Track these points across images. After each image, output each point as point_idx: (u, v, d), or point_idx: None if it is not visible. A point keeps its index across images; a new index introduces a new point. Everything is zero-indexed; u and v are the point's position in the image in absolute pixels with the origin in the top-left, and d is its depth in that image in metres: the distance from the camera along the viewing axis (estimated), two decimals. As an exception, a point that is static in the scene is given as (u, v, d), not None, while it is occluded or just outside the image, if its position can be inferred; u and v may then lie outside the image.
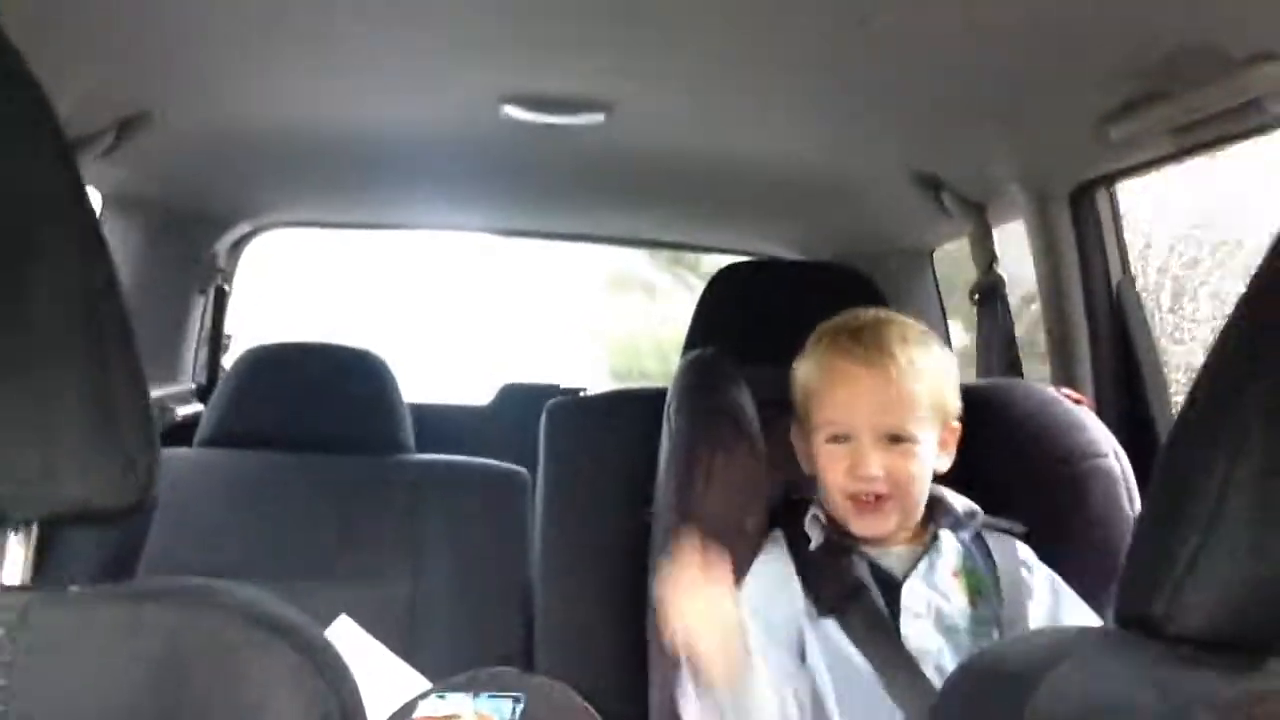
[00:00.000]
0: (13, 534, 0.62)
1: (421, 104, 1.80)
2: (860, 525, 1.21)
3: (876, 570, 1.21)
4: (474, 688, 1.41)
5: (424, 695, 1.42)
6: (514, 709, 1.38)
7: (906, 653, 1.15)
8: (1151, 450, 1.59)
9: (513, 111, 1.74)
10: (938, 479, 1.26)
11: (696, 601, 1.04)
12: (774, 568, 1.24)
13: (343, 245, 4.15)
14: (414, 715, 1.38)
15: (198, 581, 0.61)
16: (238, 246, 2.63)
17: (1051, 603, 1.21)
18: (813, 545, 1.22)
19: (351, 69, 1.62)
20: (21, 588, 0.61)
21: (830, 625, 1.18)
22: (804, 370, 1.28)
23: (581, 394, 2.82)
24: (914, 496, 1.22)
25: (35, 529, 0.62)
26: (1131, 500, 1.31)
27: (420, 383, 2.94)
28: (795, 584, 1.20)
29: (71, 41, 1.43)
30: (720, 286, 1.75)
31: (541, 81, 1.66)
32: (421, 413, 2.00)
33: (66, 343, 0.58)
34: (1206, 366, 0.61)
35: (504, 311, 4.83)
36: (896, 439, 1.19)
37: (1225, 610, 0.55)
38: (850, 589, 1.19)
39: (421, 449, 1.91)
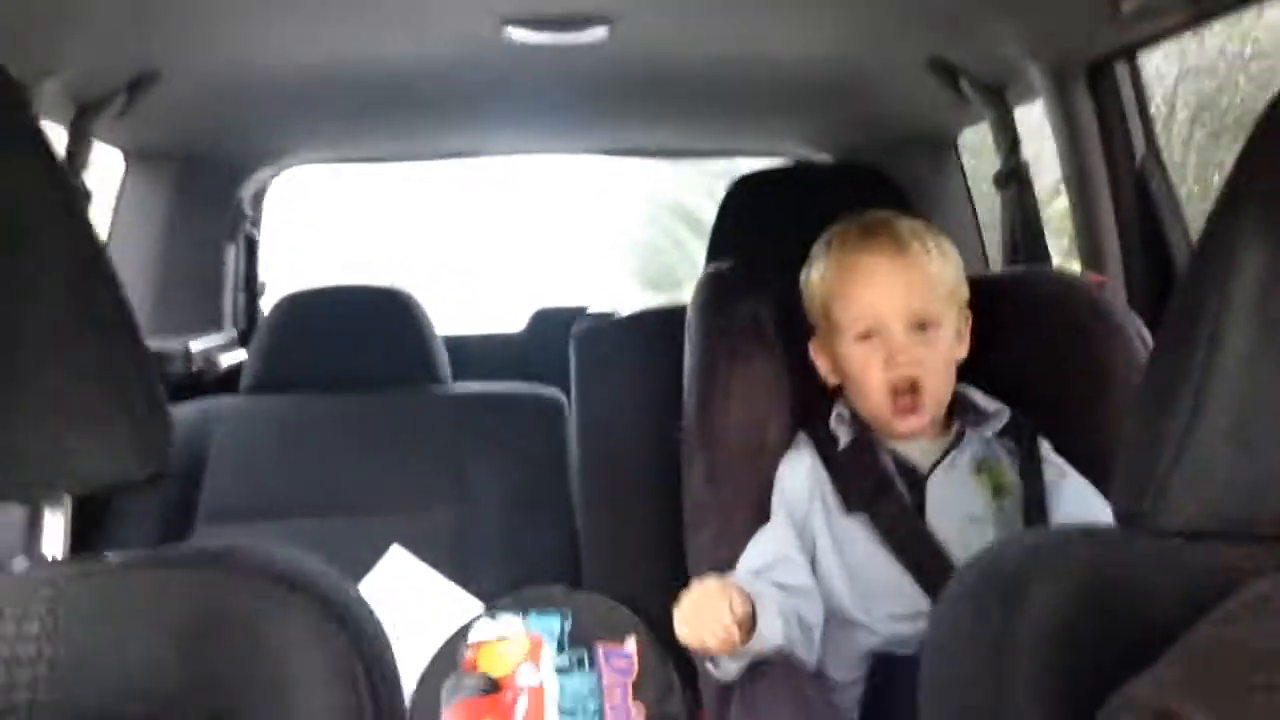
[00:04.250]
0: (48, 511, 0.65)
1: (424, 33, 1.79)
2: (902, 424, 1.21)
3: (901, 464, 1.23)
4: (522, 605, 1.47)
5: (477, 618, 1.48)
6: (562, 625, 1.44)
7: (936, 543, 1.17)
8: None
9: (515, 33, 1.73)
10: (959, 371, 1.26)
11: (705, 620, 1.05)
12: (799, 467, 1.26)
13: (375, 183, 4.15)
14: (469, 640, 1.44)
15: (221, 545, 0.63)
16: (261, 192, 2.65)
17: (1075, 507, 1.20)
18: (841, 444, 1.24)
19: (350, 5, 1.61)
20: (59, 561, 0.65)
21: (859, 521, 1.21)
22: (817, 275, 1.28)
23: (612, 315, 2.84)
24: (944, 384, 1.23)
25: (68, 504, 0.66)
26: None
27: (458, 314, 2.97)
28: (818, 481, 1.22)
29: (70, 8, 1.43)
30: (738, 196, 1.74)
31: (540, 0, 1.64)
32: (456, 344, 2.03)
33: (65, 326, 0.60)
34: (1191, 262, 0.61)
35: (538, 237, 4.82)
36: (923, 325, 1.20)
37: (1209, 501, 0.55)
38: (879, 483, 1.21)
39: (459, 379, 1.95)
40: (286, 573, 0.59)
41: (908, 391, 1.20)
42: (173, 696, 0.57)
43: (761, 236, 1.68)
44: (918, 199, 1.92)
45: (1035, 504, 1.20)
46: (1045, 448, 1.26)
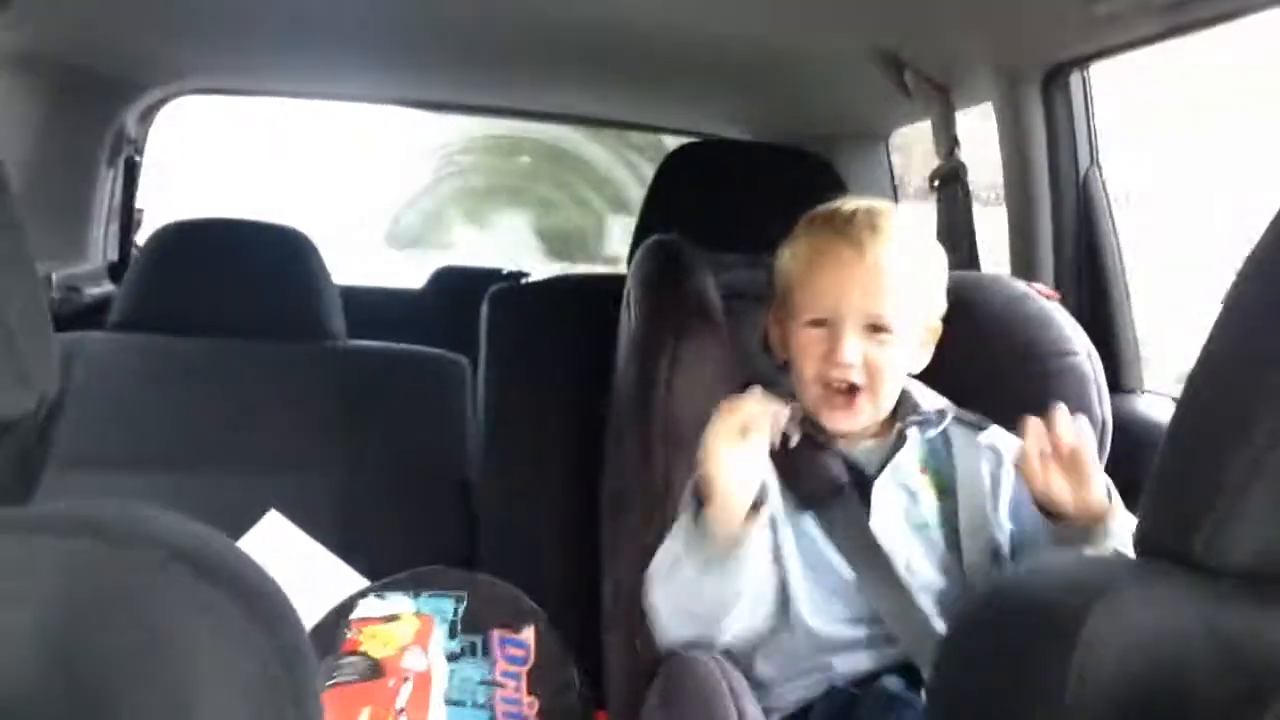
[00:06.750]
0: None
1: None
2: (831, 419, 1.16)
3: (849, 465, 1.17)
4: (415, 586, 1.35)
5: (362, 594, 1.36)
6: (456, 608, 1.33)
7: (883, 552, 1.12)
8: (1109, 346, 1.55)
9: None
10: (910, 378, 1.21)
11: (731, 447, 1.03)
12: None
13: (266, 120, 3.89)
14: (352, 615, 1.32)
15: (110, 507, 0.50)
16: (148, 115, 2.43)
17: (1022, 494, 1.17)
18: (793, 442, 1.16)
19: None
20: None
21: (807, 520, 1.14)
22: (789, 252, 1.22)
23: (524, 277, 2.71)
24: (887, 390, 1.17)
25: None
26: (1101, 400, 1.27)
27: (348, 265, 2.80)
28: (772, 477, 1.15)
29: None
30: (674, 168, 1.66)
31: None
32: (351, 297, 1.88)
33: None
34: (1252, 261, 0.55)
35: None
36: (877, 328, 1.14)
37: (1274, 544, 0.49)
38: (830, 484, 1.15)
39: (352, 336, 1.80)
40: (193, 550, 0.47)
41: (843, 392, 1.15)
42: (31, 679, 0.44)
43: (696, 211, 1.60)
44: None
45: (972, 506, 1.15)
46: (1000, 439, 1.20)
